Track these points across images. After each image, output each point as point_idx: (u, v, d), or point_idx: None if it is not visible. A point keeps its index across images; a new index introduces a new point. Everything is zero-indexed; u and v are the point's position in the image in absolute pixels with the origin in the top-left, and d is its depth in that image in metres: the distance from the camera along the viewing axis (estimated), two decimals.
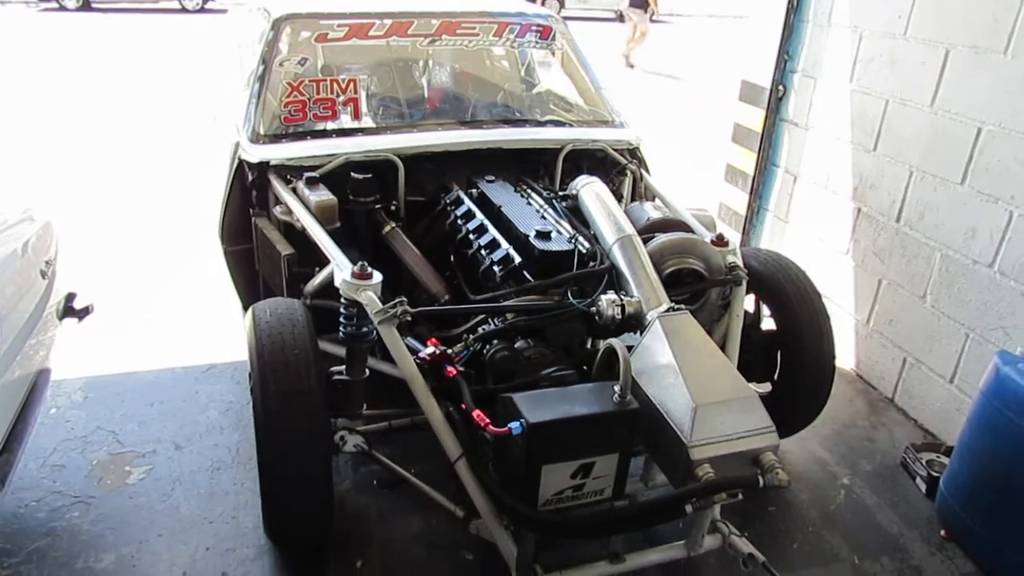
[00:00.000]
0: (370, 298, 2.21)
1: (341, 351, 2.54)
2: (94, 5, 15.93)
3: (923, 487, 2.85)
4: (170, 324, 3.83)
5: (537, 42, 3.73)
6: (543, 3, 18.42)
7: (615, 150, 3.36)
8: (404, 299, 2.21)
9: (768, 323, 2.86)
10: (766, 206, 4.29)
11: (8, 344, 2.14)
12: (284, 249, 2.76)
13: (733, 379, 2.12)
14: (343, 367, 2.37)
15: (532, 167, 3.30)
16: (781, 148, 4.14)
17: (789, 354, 2.77)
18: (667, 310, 2.25)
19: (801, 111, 3.96)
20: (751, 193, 4.32)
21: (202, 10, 14.96)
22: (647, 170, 3.41)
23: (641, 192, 3.42)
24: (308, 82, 3.22)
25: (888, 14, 3.35)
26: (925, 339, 3.22)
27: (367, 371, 2.38)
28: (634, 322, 2.31)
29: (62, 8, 15.81)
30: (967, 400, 2.98)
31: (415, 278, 2.80)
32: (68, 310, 2.72)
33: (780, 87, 4.06)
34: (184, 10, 14.82)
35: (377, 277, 2.26)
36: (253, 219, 3.05)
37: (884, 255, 3.44)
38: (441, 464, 2.80)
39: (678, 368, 2.05)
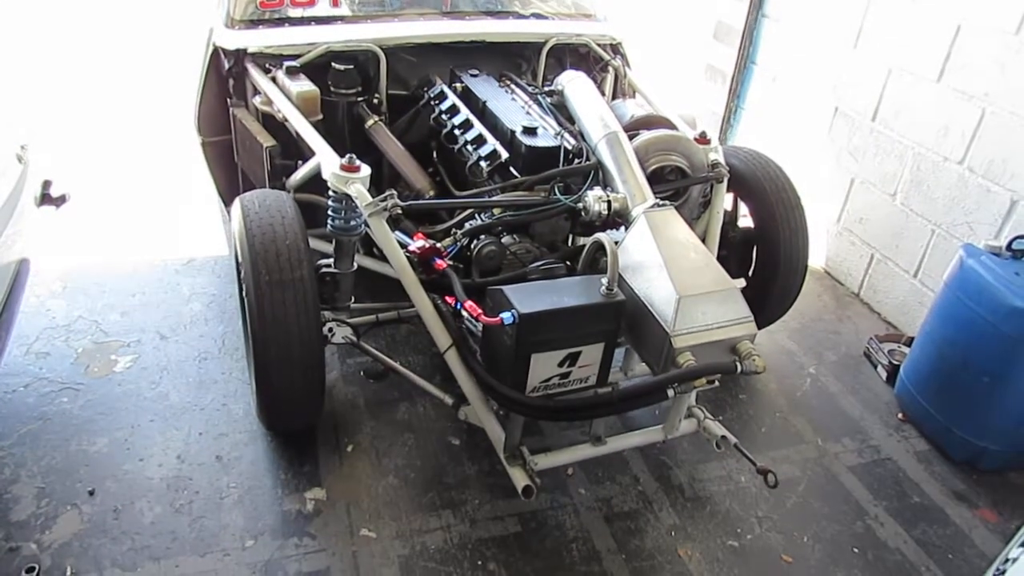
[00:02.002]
0: (359, 191, 2.21)
1: (325, 245, 2.56)
2: None
3: (884, 375, 3.01)
4: (146, 215, 3.79)
5: None
6: None
7: (598, 45, 3.32)
8: (394, 192, 2.22)
9: (745, 221, 2.93)
10: (743, 105, 4.30)
11: None
12: (266, 141, 2.72)
13: (715, 272, 2.19)
14: (330, 260, 2.39)
15: (514, 61, 3.26)
16: (761, 46, 4.12)
17: (765, 251, 2.86)
18: (652, 206, 2.29)
19: (784, 6, 3.92)
20: (729, 92, 4.31)
21: None
22: (629, 66, 3.39)
23: (623, 88, 3.40)
24: None
25: None
26: (892, 236, 3.33)
27: (355, 264, 2.40)
28: (619, 218, 2.36)
29: None
30: (929, 293, 3.12)
31: (398, 173, 2.80)
32: (45, 197, 2.68)
33: None
34: None
35: (365, 170, 2.26)
36: (231, 109, 2.99)
37: (858, 154, 3.50)
38: (427, 355, 2.91)
39: (663, 262, 2.11)
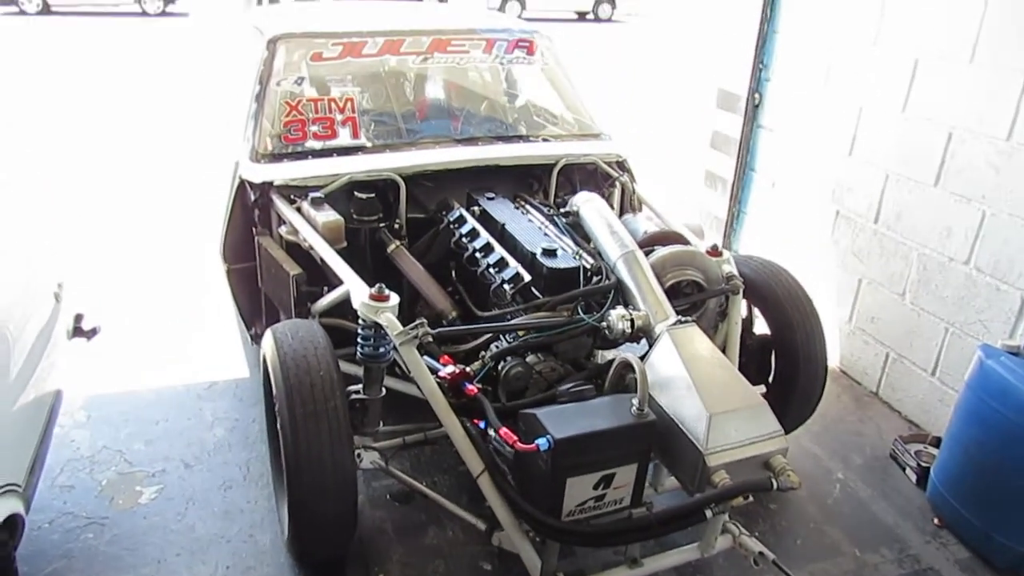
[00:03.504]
0: (390, 320, 2.27)
1: (352, 367, 2.60)
2: (54, 9, 15.58)
3: (913, 477, 3.00)
4: (166, 341, 3.83)
5: (524, 58, 3.81)
6: (502, 7, 18.53)
7: (605, 163, 3.45)
8: (424, 320, 2.27)
9: (760, 327, 2.99)
10: (745, 210, 4.43)
11: (20, 366, 2.16)
12: (292, 269, 2.80)
13: (742, 387, 2.23)
14: (359, 386, 2.42)
15: (527, 181, 3.39)
16: (759, 154, 4.28)
17: (783, 357, 2.90)
18: (675, 323, 2.35)
19: (777, 118, 4.11)
20: (731, 198, 4.46)
21: (163, 14, 14.74)
22: (635, 180, 3.52)
23: (630, 202, 3.52)
24: (306, 101, 3.26)
25: (857, 24, 3.50)
26: (906, 334, 3.38)
27: (384, 390, 2.44)
28: (642, 335, 2.41)
29: (22, 12, 15.45)
30: (949, 391, 3.14)
31: (420, 295, 2.87)
32: (77, 330, 2.74)
33: (756, 95, 4.19)
34: (144, 14, 14.58)
35: (394, 299, 2.33)
36: (256, 238, 3.08)
37: (863, 255, 3.59)
38: (452, 475, 2.90)
39: (690, 379, 2.15)
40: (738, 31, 4.23)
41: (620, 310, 2.41)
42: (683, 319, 2.39)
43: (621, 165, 3.53)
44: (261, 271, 3.11)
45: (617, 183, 3.47)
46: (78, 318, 2.73)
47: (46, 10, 15.61)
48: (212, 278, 3.86)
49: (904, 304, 3.37)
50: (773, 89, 4.11)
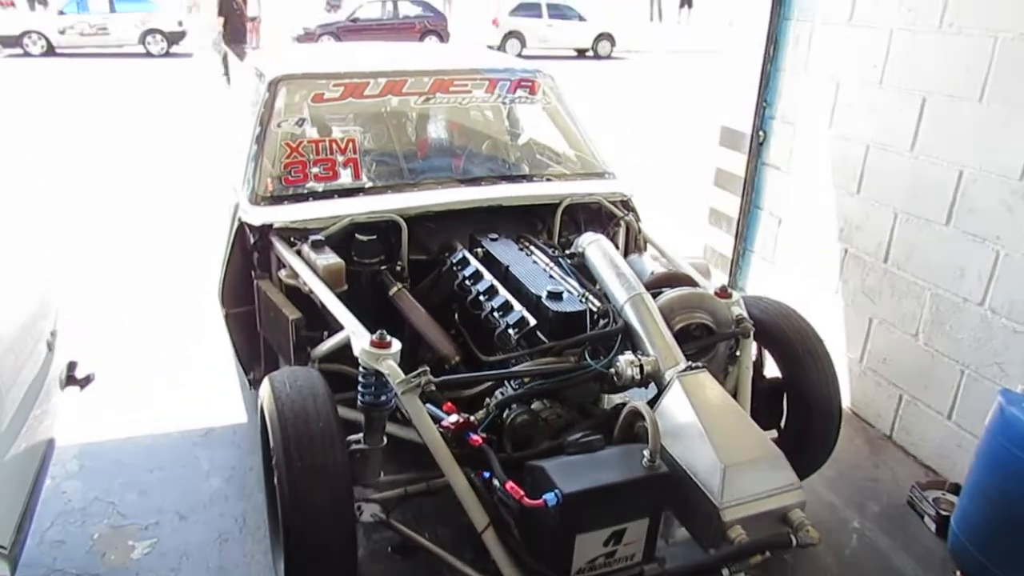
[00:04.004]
0: (391, 367, 2.20)
1: (352, 414, 2.53)
2: (58, 51, 15.75)
3: (932, 526, 2.90)
4: (163, 386, 3.75)
5: (526, 97, 3.79)
6: (502, 47, 18.73)
7: (609, 202, 3.41)
8: (427, 368, 2.21)
9: (771, 369, 2.91)
10: (752, 248, 4.38)
11: (10, 417, 2.09)
12: (291, 313, 2.74)
13: (756, 437, 2.16)
14: (359, 435, 2.35)
15: (530, 221, 3.34)
16: (764, 191, 4.24)
17: (795, 401, 2.82)
18: (684, 369, 2.28)
19: (782, 156, 4.07)
20: (736, 236, 4.41)
21: (167, 55, 14.89)
22: (640, 219, 3.47)
23: (635, 241, 3.47)
24: (307, 142, 3.23)
25: (863, 64, 3.47)
26: (920, 376, 3.30)
27: (385, 439, 2.36)
28: (651, 380, 2.34)
29: (27, 54, 15.61)
30: (967, 436, 3.05)
31: (422, 338, 2.80)
32: (70, 379, 2.68)
33: (760, 133, 4.17)
34: (149, 55, 14.74)
35: (396, 345, 2.26)
36: (255, 282, 3.02)
37: (874, 294, 3.53)
38: (455, 528, 2.80)
39: (702, 428, 2.08)
40: (741, 69, 4.22)
41: (629, 356, 2.34)
42: (693, 365, 2.32)
43: (626, 204, 3.48)
44: (260, 315, 3.05)
45: (622, 222, 3.43)
46: (71, 366, 2.67)
47: (51, 52, 15.77)
48: (210, 322, 3.80)
49: (917, 345, 3.29)
50: (778, 127, 4.08)
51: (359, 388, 2.30)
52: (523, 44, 19.61)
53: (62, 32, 15.71)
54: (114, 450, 3.21)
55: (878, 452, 3.41)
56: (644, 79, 16.48)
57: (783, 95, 4.02)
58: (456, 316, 2.94)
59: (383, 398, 2.28)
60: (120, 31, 15.75)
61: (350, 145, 3.28)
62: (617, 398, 2.60)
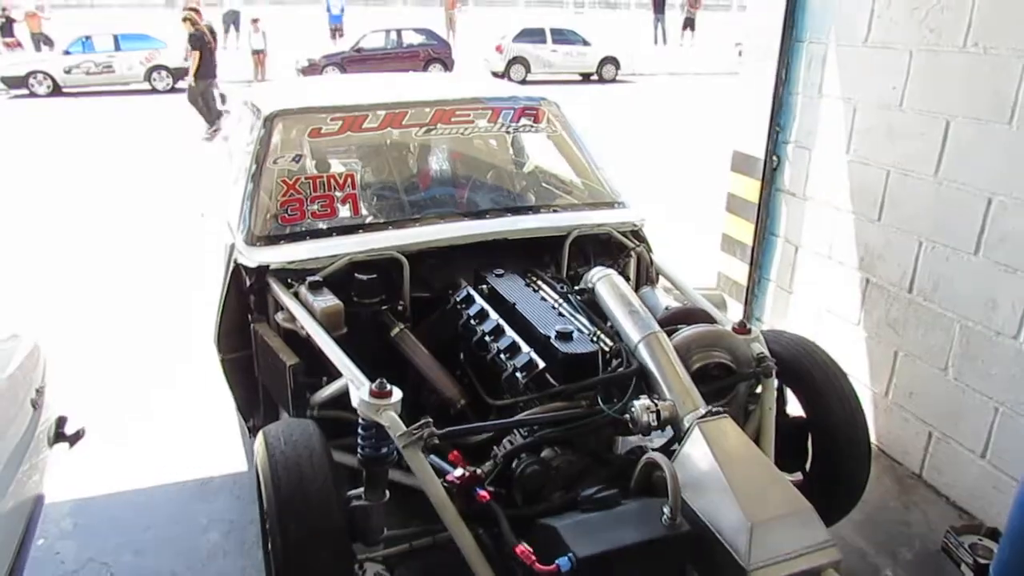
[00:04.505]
0: (392, 419, 2.07)
1: (353, 459, 2.39)
2: (64, 90, 15.85)
3: (970, 575, 2.72)
4: (157, 435, 3.59)
5: (530, 126, 3.69)
6: (506, 74, 18.78)
7: (620, 232, 3.28)
8: (430, 420, 2.07)
9: (793, 407, 2.76)
10: (768, 276, 4.24)
11: None
12: (289, 359, 2.61)
13: (785, 490, 2.01)
14: (360, 490, 2.20)
15: (537, 253, 3.21)
16: (779, 218, 4.11)
17: (821, 442, 2.66)
18: (705, 414, 2.14)
19: (798, 181, 3.94)
20: (751, 264, 4.27)
21: (172, 90, 14.94)
22: (651, 250, 3.34)
23: (647, 273, 3.34)
24: (304, 179, 3.12)
25: (881, 86, 3.35)
26: (950, 413, 3.14)
27: (387, 493, 2.22)
28: (669, 427, 2.20)
29: (32, 95, 15.71)
30: (1003, 477, 2.88)
31: (426, 380, 2.67)
32: (59, 436, 2.55)
33: (774, 158, 4.04)
34: (154, 91, 14.80)
35: (397, 395, 2.13)
36: (252, 325, 2.90)
37: (898, 326, 3.37)
38: None
39: (725, 480, 1.93)
40: (753, 92, 4.10)
41: (645, 401, 2.19)
42: (714, 409, 2.17)
43: (636, 234, 3.36)
44: (258, 361, 2.92)
45: (632, 253, 3.30)
46: (60, 421, 2.54)
47: (57, 91, 15.84)
48: (205, 367, 3.68)
49: (947, 380, 3.13)
50: (792, 152, 3.96)
51: (359, 440, 2.17)
52: (528, 70, 19.60)
53: (68, 71, 15.76)
54: (109, 506, 3.07)
55: (908, 492, 3.24)
56: (650, 102, 16.43)
57: (797, 119, 3.90)
58: (461, 356, 2.81)
59: (384, 451, 2.15)
60: (126, 69, 15.78)
61: (349, 180, 3.17)
62: (633, 439, 2.46)
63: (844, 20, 3.55)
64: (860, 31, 3.44)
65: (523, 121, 3.66)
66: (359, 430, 2.16)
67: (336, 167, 3.52)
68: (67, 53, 16.12)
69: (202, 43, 11.35)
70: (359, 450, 2.17)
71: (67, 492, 3.05)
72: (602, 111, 13.70)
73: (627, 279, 3.29)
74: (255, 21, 17.90)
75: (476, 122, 3.55)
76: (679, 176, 8.64)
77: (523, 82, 17.62)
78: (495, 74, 19.10)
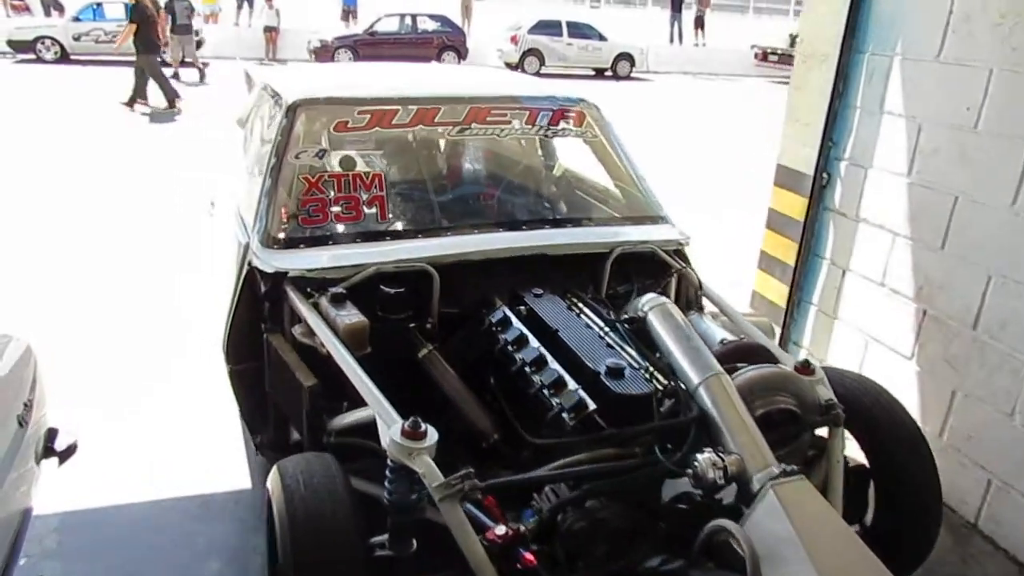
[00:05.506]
0: (428, 466, 1.83)
1: (371, 488, 2.16)
2: (72, 57, 15.53)
3: None
4: (155, 447, 3.30)
5: (570, 129, 3.43)
6: (520, 65, 18.47)
7: (664, 250, 3.04)
8: (471, 470, 1.83)
9: (850, 448, 2.53)
10: (809, 299, 3.99)
11: None
12: (306, 379, 2.37)
13: (870, 564, 1.78)
14: (384, 538, 1.96)
15: (574, 270, 2.96)
16: (826, 238, 3.86)
17: (886, 493, 2.44)
18: (779, 474, 1.90)
19: (850, 201, 3.69)
20: (792, 285, 4.02)
21: (183, 63, 14.64)
22: (694, 269, 3.10)
23: (690, 296, 3.10)
24: (328, 177, 2.87)
25: (953, 105, 3.10)
26: (1016, 462, 2.90)
27: (415, 542, 1.97)
28: (736, 485, 1.96)
29: (39, 60, 15.39)
30: None
31: (452, 407, 2.43)
32: (48, 450, 2.30)
33: (825, 175, 3.79)
34: (164, 63, 14.47)
35: (432, 436, 1.89)
36: (265, 335, 2.66)
37: (958, 364, 3.13)
38: None
39: (807, 555, 1.70)
40: (804, 104, 3.85)
41: (710, 454, 1.95)
42: (788, 468, 1.93)
43: (679, 252, 3.11)
44: (269, 374, 2.67)
45: (679, 274, 3.05)
46: (51, 434, 2.29)
47: (64, 58, 15.54)
48: (205, 364, 3.43)
49: (1013, 426, 2.89)
50: (845, 169, 3.71)
51: (386, 484, 1.93)
52: (542, 62, 19.31)
53: (76, 39, 15.47)
54: (100, 523, 2.82)
55: (964, 544, 3.01)
56: (669, 101, 16.16)
57: (853, 135, 3.64)
58: (490, 380, 2.57)
59: (414, 497, 1.91)
60: None
61: (376, 181, 2.91)
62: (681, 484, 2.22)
63: (914, 33, 3.29)
64: (932, 45, 3.18)
65: (562, 124, 3.41)
66: (387, 472, 1.92)
67: (360, 167, 3.25)
68: (76, 19, 15.81)
69: (143, 16, 10.80)
70: (386, 494, 1.94)
71: (53, 504, 2.77)
72: (621, 109, 13.40)
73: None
74: None
75: (513, 123, 3.29)
76: (706, 183, 8.39)
77: (536, 75, 17.32)
78: (509, 65, 18.81)
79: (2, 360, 2.10)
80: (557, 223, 3.11)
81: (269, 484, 1.98)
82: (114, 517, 2.86)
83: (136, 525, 2.82)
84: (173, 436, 3.38)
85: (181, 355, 3.98)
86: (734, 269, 4.68)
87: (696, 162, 9.64)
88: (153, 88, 11.38)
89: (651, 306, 2.46)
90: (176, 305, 4.57)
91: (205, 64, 14.89)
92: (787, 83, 4.18)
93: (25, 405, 2.08)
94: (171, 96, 11.38)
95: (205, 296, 3.84)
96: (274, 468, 1.98)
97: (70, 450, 2.32)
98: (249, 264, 2.69)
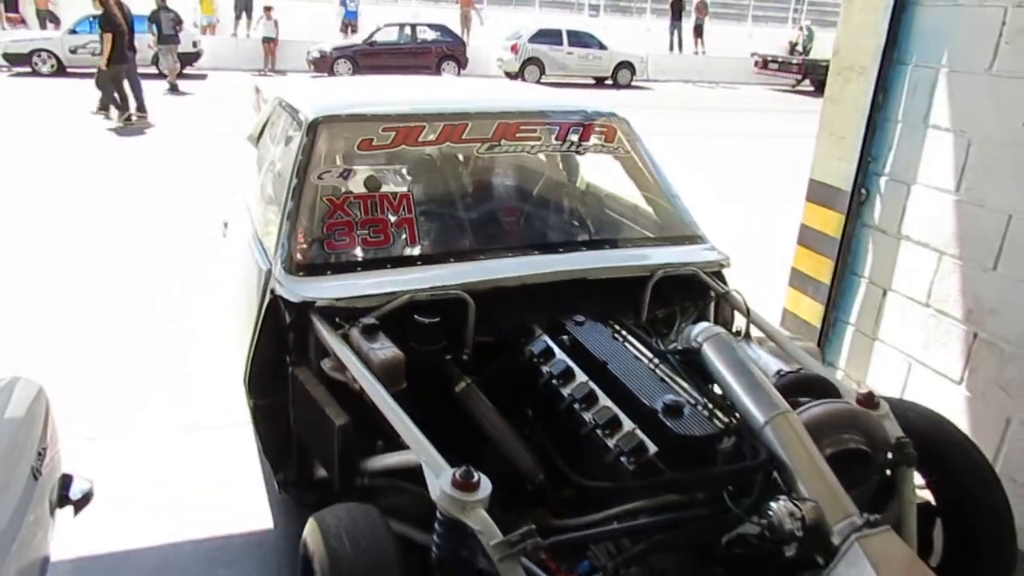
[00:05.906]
0: (484, 522, 1.67)
1: (408, 530, 2.01)
2: (69, 70, 15.38)
3: None
4: (173, 486, 3.11)
5: (602, 145, 3.29)
6: (521, 74, 18.37)
7: (705, 273, 2.89)
8: (534, 527, 1.67)
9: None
10: (846, 319, 3.84)
11: None
12: (338, 418, 2.20)
13: None
14: None
15: (612, 294, 2.81)
16: (865, 256, 3.71)
17: (956, 535, 2.28)
18: (863, 525, 1.75)
19: (891, 218, 3.55)
20: (827, 303, 3.87)
21: (180, 75, 14.50)
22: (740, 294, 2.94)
23: (724, 316, 2.95)
24: (353, 199, 2.72)
25: (1007, 121, 2.96)
26: None
27: None
28: (814, 537, 1.80)
29: (35, 73, 15.24)
30: None
31: (493, 444, 2.27)
32: (63, 499, 2.14)
33: (863, 191, 3.64)
34: (161, 75, 14.35)
35: (486, 487, 1.73)
36: (290, 368, 2.49)
37: (1013, 389, 2.98)
38: None
39: None
40: (841, 117, 3.71)
41: (785, 503, 1.80)
42: (871, 518, 1.78)
43: (718, 275, 2.97)
44: (295, 410, 2.51)
45: (719, 298, 2.90)
46: (65, 481, 2.13)
47: (61, 71, 15.39)
48: (226, 405, 3.27)
49: None
50: (885, 185, 3.56)
51: (435, 538, 1.77)
52: (542, 71, 19.22)
53: (73, 51, 15.31)
54: (116, 570, 2.65)
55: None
56: (672, 111, 16.05)
57: (894, 149, 3.50)
58: (530, 411, 2.41)
59: (464, 553, 1.75)
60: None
61: (404, 202, 2.77)
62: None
63: (962, 44, 3.16)
64: (982, 57, 3.05)
65: (593, 140, 3.27)
66: (436, 526, 1.77)
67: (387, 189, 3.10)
68: (72, 32, 15.65)
69: (113, 25, 10.41)
70: (434, 549, 1.78)
71: (67, 550, 2.61)
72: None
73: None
74: (268, 9, 17.49)
75: (543, 139, 3.14)
76: (708, 182, 8.25)
77: (537, 83, 17.23)
78: (509, 74, 18.72)
79: (11, 405, 1.94)
80: (594, 244, 2.96)
81: (308, 538, 1.82)
82: (131, 564, 2.67)
83: (152, 572, 2.64)
84: (186, 470, 3.21)
85: (209, 395, 3.76)
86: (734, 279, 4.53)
87: (696, 163, 9.50)
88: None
89: (706, 336, 2.31)
90: (190, 311, 4.42)
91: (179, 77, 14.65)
92: (787, 91, 4.05)
93: (39, 454, 1.92)
94: (126, 106, 10.94)
95: (219, 323, 3.68)
96: (312, 521, 1.82)
97: (86, 498, 2.16)
98: (272, 292, 2.53)
